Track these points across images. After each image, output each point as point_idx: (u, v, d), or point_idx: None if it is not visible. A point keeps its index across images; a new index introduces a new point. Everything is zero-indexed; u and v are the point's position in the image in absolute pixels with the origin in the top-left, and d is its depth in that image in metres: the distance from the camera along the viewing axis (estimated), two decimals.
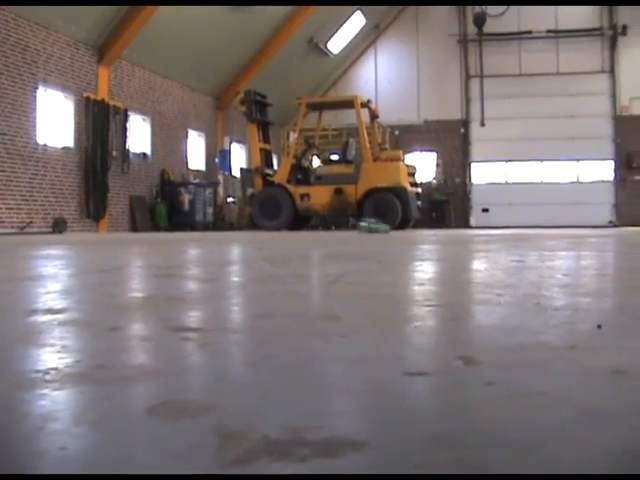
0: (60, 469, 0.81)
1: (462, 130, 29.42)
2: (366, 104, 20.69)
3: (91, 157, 18.71)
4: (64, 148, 17.95)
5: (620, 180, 28.39)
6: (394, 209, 18.96)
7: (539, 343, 1.58)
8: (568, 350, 1.49)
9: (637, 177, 28.29)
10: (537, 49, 28.92)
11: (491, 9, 28.68)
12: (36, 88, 16.96)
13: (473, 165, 29.48)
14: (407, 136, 28.87)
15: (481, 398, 1.11)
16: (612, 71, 28.63)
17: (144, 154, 21.45)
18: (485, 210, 29.15)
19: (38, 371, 1.31)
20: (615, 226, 26.77)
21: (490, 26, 28.83)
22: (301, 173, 20.47)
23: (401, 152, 20.77)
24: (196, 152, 24.69)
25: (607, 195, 28.62)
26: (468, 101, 29.47)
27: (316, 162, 21.48)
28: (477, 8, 28.86)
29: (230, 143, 26.03)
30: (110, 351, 1.54)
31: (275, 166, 22.20)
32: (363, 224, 15.41)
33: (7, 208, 16.03)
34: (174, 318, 2.09)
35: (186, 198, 21.92)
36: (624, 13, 28.31)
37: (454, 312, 2.27)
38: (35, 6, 16.19)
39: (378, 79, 29.95)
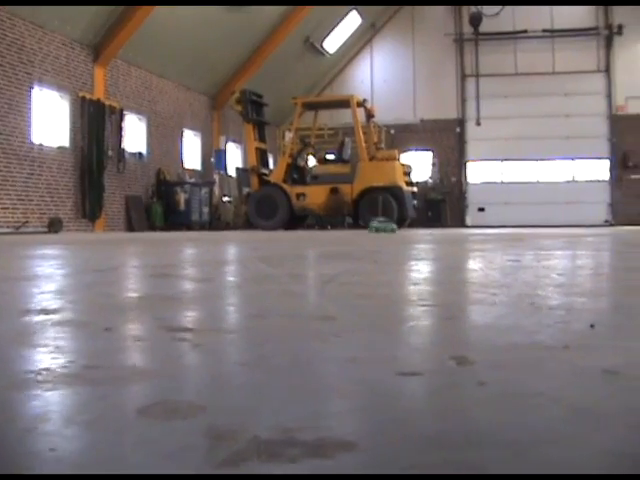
0: (49, 470, 0.80)
1: (458, 129, 29.42)
2: (362, 103, 20.69)
3: (87, 157, 18.69)
4: (60, 148, 17.93)
5: (616, 179, 28.42)
6: (390, 208, 18.95)
7: (533, 343, 1.58)
8: (561, 350, 1.49)
9: (633, 176, 28.32)
10: (533, 48, 28.93)
11: (487, 9, 28.68)
12: (31, 88, 16.93)
13: (469, 164, 29.49)
14: (403, 135, 28.88)
15: (473, 398, 1.11)
16: (608, 70, 28.65)
17: (140, 154, 21.43)
18: (481, 209, 29.16)
19: (31, 372, 1.30)
20: (611, 225, 26.79)
21: (486, 26, 28.83)
22: (297, 172, 20.47)
23: (397, 151, 20.79)
24: (192, 151, 24.67)
25: (603, 194, 28.64)
26: (464, 100, 29.49)
27: (312, 161, 21.48)
28: (473, 8, 28.86)
29: (226, 142, 26.01)
30: (103, 352, 1.54)
31: (271, 165, 22.20)
32: (374, 224, 15.36)
33: (2, 208, 16.00)
34: (168, 318, 2.09)
35: (182, 198, 21.90)
36: (620, 13, 28.33)
37: (448, 312, 2.27)
38: (30, 5, 16.17)
39: (374, 78, 29.95)
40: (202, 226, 22.70)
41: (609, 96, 28.57)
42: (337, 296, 2.72)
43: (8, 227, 16.03)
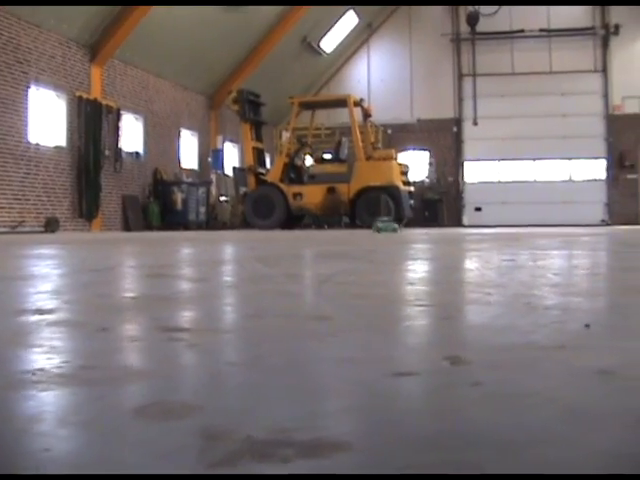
0: (43, 470, 0.80)
1: (455, 129, 29.45)
2: (359, 103, 20.71)
3: (83, 156, 18.67)
4: (56, 147, 17.91)
5: (612, 179, 28.46)
6: (387, 208, 18.95)
7: (528, 343, 1.58)
8: (556, 350, 1.49)
9: (629, 176, 28.37)
10: (529, 48, 28.96)
11: (484, 8, 28.72)
12: (28, 87, 16.91)
13: (466, 164, 29.51)
14: (400, 135, 28.89)
15: (468, 398, 1.11)
16: (604, 70, 28.69)
17: (137, 153, 21.41)
18: (478, 209, 29.18)
19: (25, 372, 1.30)
20: (607, 225, 26.82)
21: (483, 25, 28.86)
22: (294, 172, 20.48)
23: (394, 151, 20.79)
24: (189, 151, 24.65)
25: (599, 194, 28.68)
26: (461, 100, 29.51)
27: (309, 161, 21.50)
28: (470, 7, 28.90)
29: (223, 142, 26.00)
30: (99, 352, 1.54)
31: (268, 165, 22.21)
32: (377, 224, 15.33)
33: None
34: (164, 318, 2.09)
35: (179, 197, 21.89)
36: (616, 13, 28.38)
37: (444, 312, 2.27)
38: (29, 5, 16.16)
39: (371, 78, 29.96)
40: (199, 226, 22.69)
41: (606, 96, 28.62)
42: (333, 296, 2.72)
43: (4, 227, 16.01)
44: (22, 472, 0.80)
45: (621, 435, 0.93)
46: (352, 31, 28.89)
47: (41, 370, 1.31)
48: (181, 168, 23.68)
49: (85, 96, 18.72)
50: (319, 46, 27.82)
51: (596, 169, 28.78)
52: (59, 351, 1.52)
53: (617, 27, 28.37)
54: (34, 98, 17.23)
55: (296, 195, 19.89)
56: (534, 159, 28.85)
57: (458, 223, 28.54)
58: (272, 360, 1.42)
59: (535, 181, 29.10)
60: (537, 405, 1.07)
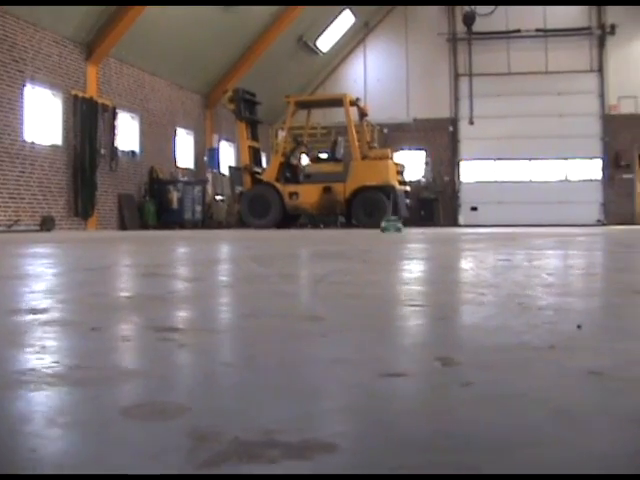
0: (30, 471, 0.80)
1: (451, 128, 29.47)
2: (355, 102, 20.72)
3: (79, 155, 18.66)
4: (52, 146, 17.90)
5: (608, 179, 28.50)
6: (383, 207, 18.96)
7: (519, 343, 1.58)
8: (547, 350, 1.49)
9: (625, 176, 28.41)
10: (526, 48, 28.99)
11: (480, 8, 28.73)
12: (24, 85, 16.90)
13: (462, 163, 29.54)
14: (396, 134, 28.90)
15: (457, 399, 1.12)
16: (600, 70, 28.72)
17: (132, 152, 21.41)
18: (474, 208, 29.20)
19: (16, 372, 1.30)
20: (603, 225, 26.86)
21: (479, 25, 28.88)
22: (290, 171, 20.48)
23: (390, 150, 20.80)
24: (185, 150, 24.65)
25: (595, 194, 28.72)
26: (457, 99, 29.53)
27: (305, 160, 21.50)
28: (466, 7, 28.91)
29: (219, 141, 26.01)
30: (90, 352, 1.54)
31: (264, 164, 22.20)
32: (382, 224, 15.29)
33: None
34: (157, 318, 2.09)
35: (175, 196, 21.89)
36: (613, 13, 28.41)
37: (437, 312, 2.27)
38: (27, 5, 16.14)
39: (367, 77, 29.97)
40: (195, 225, 22.68)
41: (602, 96, 28.65)
42: (327, 296, 2.72)
43: (0, 225, 15.99)
44: (20, 472, 0.80)
45: (608, 437, 0.93)
46: (348, 30, 28.90)
47: (32, 370, 1.31)
48: (177, 167, 23.68)
49: (81, 95, 18.71)
50: (315, 45, 27.82)
51: (592, 169, 28.82)
52: (50, 351, 1.52)
53: (613, 27, 28.40)
54: (30, 96, 17.22)
55: (292, 194, 19.90)
56: (530, 159, 28.88)
57: (454, 223, 28.56)
58: (262, 361, 1.42)
59: (531, 181, 29.13)
60: (526, 406, 1.07)
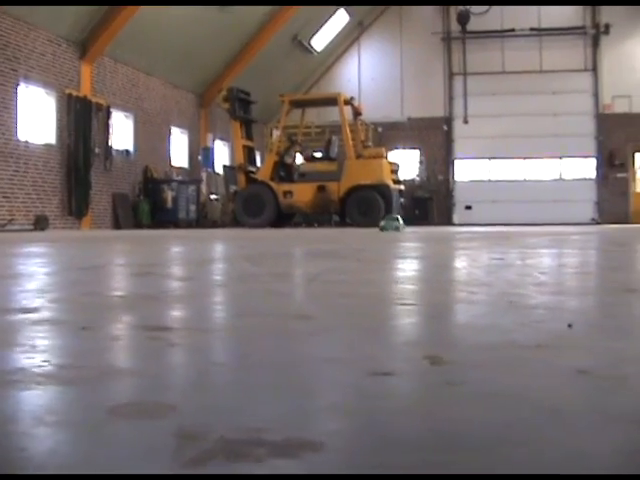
0: (19, 470, 0.80)
1: (445, 127, 29.48)
2: (349, 101, 20.72)
3: (73, 154, 18.62)
4: (46, 145, 17.86)
5: (602, 178, 28.54)
6: (377, 206, 18.96)
7: (508, 342, 1.59)
8: (536, 349, 1.49)
9: (619, 175, 28.46)
10: (520, 47, 29.01)
11: (474, 7, 28.75)
12: (17, 84, 16.85)
13: (456, 162, 29.55)
14: (390, 133, 28.90)
15: (443, 398, 1.12)
16: (595, 69, 28.76)
17: (127, 151, 21.37)
18: (468, 207, 29.21)
19: (4, 371, 1.30)
20: (597, 223, 26.90)
21: (473, 24, 28.89)
22: (284, 170, 20.47)
23: (384, 149, 20.80)
24: (179, 149, 24.62)
25: (589, 192, 28.76)
26: (451, 98, 29.54)
27: (299, 159, 21.49)
28: (460, 6, 28.92)
29: (213, 140, 25.98)
30: (80, 351, 1.54)
31: (258, 163, 22.19)
32: (381, 222, 15.26)
33: None
34: (148, 317, 2.09)
35: (169, 195, 21.86)
36: (607, 12, 28.44)
37: (428, 311, 2.28)
38: (26, 5, 16.12)
39: (361, 76, 29.97)
40: (189, 224, 22.66)
41: (596, 95, 28.69)
42: (320, 295, 2.72)
43: None
44: (9, 472, 0.81)
45: (593, 436, 0.93)
46: (343, 29, 28.90)
47: (21, 369, 1.31)
48: (171, 166, 23.65)
49: (75, 93, 18.67)
50: (310, 44, 27.81)
51: (586, 168, 28.86)
52: (39, 350, 1.52)
53: (607, 27, 28.44)
54: (23, 95, 17.17)
55: (286, 193, 19.90)
56: (524, 158, 28.91)
57: (448, 221, 28.58)
58: (251, 360, 1.43)
59: (525, 180, 29.16)
60: (512, 405, 1.07)
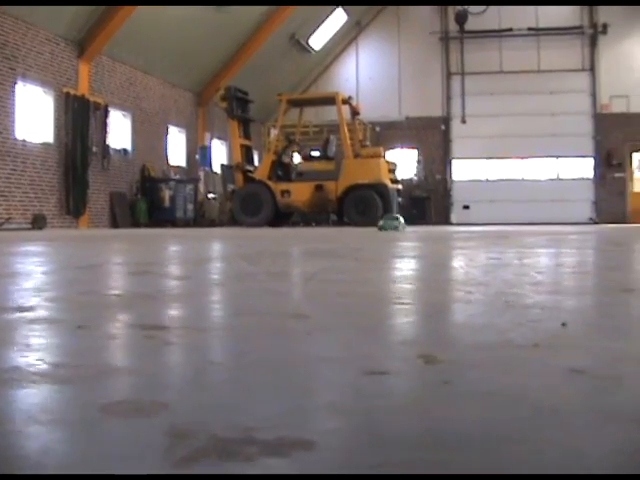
0: (11, 470, 0.80)
1: (443, 127, 29.49)
2: (347, 101, 20.73)
3: (71, 153, 18.62)
4: (43, 144, 17.85)
5: (600, 177, 28.57)
6: (374, 206, 18.96)
7: (503, 341, 1.58)
8: (532, 349, 1.49)
9: (617, 174, 28.49)
10: (518, 47, 29.03)
11: (472, 7, 28.77)
12: (15, 83, 16.84)
13: (454, 162, 29.57)
14: (388, 133, 28.91)
15: (437, 397, 1.12)
16: (592, 69, 28.78)
17: (124, 150, 21.37)
18: (466, 207, 29.23)
19: None
20: (595, 223, 26.93)
21: (471, 24, 28.91)
22: (282, 169, 20.47)
23: (382, 149, 20.79)
24: (177, 148, 24.63)
25: (587, 192, 28.78)
26: (449, 98, 29.56)
27: (297, 158, 21.50)
28: (458, 6, 28.93)
29: (211, 139, 25.99)
30: (75, 350, 1.54)
31: (256, 162, 22.19)
32: (380, 222, 15.25)
33: None
34: (145, 316, 2.09)
35: (167, 194, 21.86)
36: (605, 12, 28.46)
37: (424, 310, 2.28)
38: (25, 5, 16.11)
39: (359, 76, 29.97)
40: (187, 223, 22.66)
41: (594, 95, 28.71)
42: (317, 294, 2.72)
43: None
44: (2, 472, 0.80)
45: (588, 435, 0.93)
46: (341, 29, 28.91)
47: (15, 368, 1.31)
48: (169, 165, 23.65)
49: (73, 92, 18.66)
50: (308, 44, 27.82)
51: (584, 167, 28.89)
52: (34, 349, 1.51)
53: (605, 26, 28.46)
54: (21, 94, 17.16)
55: (284, 192, 19.89)
56: (522, 157, 28.93)
57: (446, 221, 28.60)
58: (246, 359, 1.42)
59: (523, 179, 29.19)
60: (507, 404, 1.07)
